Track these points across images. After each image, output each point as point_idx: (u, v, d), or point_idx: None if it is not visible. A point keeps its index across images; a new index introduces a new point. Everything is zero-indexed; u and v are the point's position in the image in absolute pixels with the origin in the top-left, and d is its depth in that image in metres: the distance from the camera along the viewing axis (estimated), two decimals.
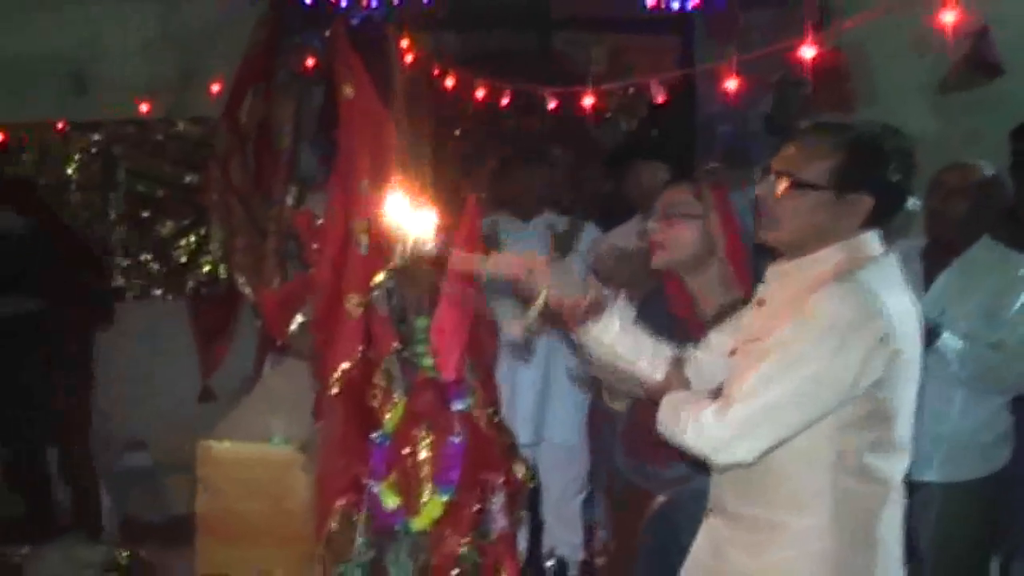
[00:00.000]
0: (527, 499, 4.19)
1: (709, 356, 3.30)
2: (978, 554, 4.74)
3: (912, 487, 4.30)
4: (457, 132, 7.90)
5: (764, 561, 3.03)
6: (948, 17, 3.18)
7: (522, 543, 4.60)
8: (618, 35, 8.72)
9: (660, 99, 4.75)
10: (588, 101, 4.95)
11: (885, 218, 3.03)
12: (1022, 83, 6.60)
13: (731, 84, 4.37)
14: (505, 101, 5.55)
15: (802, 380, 2.85)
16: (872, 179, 2.96)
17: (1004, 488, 4.60)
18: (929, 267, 4.63)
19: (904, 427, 3.02)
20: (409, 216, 3.46)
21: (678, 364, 3.26)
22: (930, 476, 4.49)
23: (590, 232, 5.85)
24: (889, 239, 4.52)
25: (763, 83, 7.45)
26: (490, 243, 5.79)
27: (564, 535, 5.60)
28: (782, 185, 3.00)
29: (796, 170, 2.99)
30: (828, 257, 2.98)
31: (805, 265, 3.00)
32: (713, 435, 2.90)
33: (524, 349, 4.97)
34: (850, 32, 7.09)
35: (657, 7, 7.82)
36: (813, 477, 2.95)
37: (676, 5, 7.48)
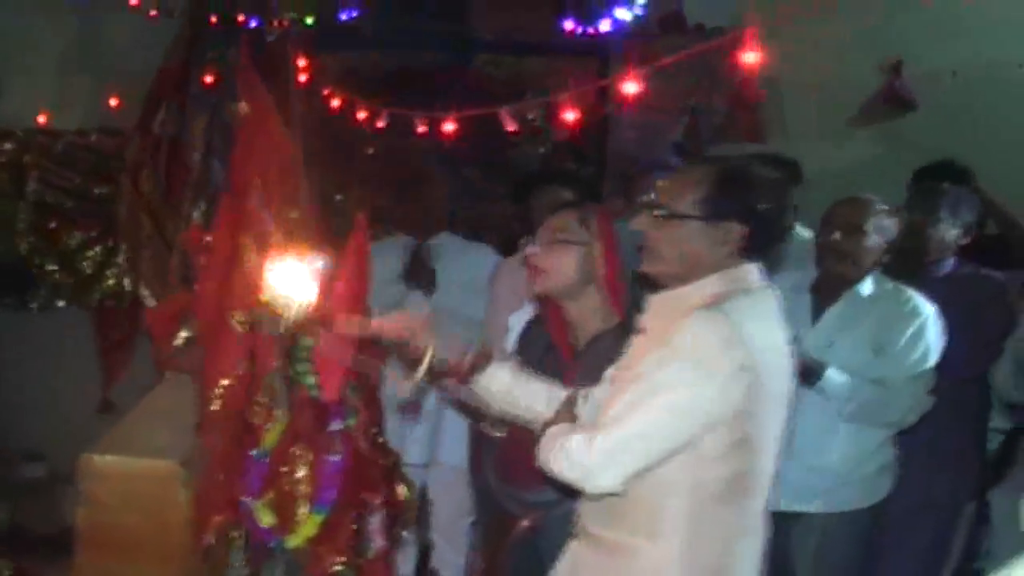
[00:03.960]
0: (413, 520, 4.21)
1: (605, 393, 3.33)
2: None
3: (792, 516, 4.39)
4: (370, 151, 7.89)
5: None
6: (750, 57, 3.32)
7: (409, 564, 4.60)
8: (540, 57, 8.77)
9: (510, 127, 4.77)
10: (449, 128, 4.98)
11: (762, 248, 3.11)
12: (928, 119, 6.76)
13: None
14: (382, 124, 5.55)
15: (662, 409, 2.90)
16: (740, 207, 3.04)
17: (880, 519, 4.66)
18: (818, 300, 4.65)
19: (767, 461, 3.07)
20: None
21: (569, 402, 3.29)
22: (811, 507, 4.52)
23: (485, 253, 5.86)
24: (780, 270, 4.63)
25: (676, 109, 7.55)
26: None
27: (451, 556, 5.59)
28: (656, 218, 3.08)
29: (668, 202, 3.08)
30: (704, 287, 3.04)
31: (682, 295, 3.06)
32: (580, 463, 2.95)
33: (413, 407, 4.94)
34: (763, 65, 7.27)
35: (574, 32, 7.91)
36: (670, 504, 2.99)
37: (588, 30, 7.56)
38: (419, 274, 5.65)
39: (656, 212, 3.09)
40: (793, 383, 3.15)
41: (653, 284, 3.20)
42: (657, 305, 3.15)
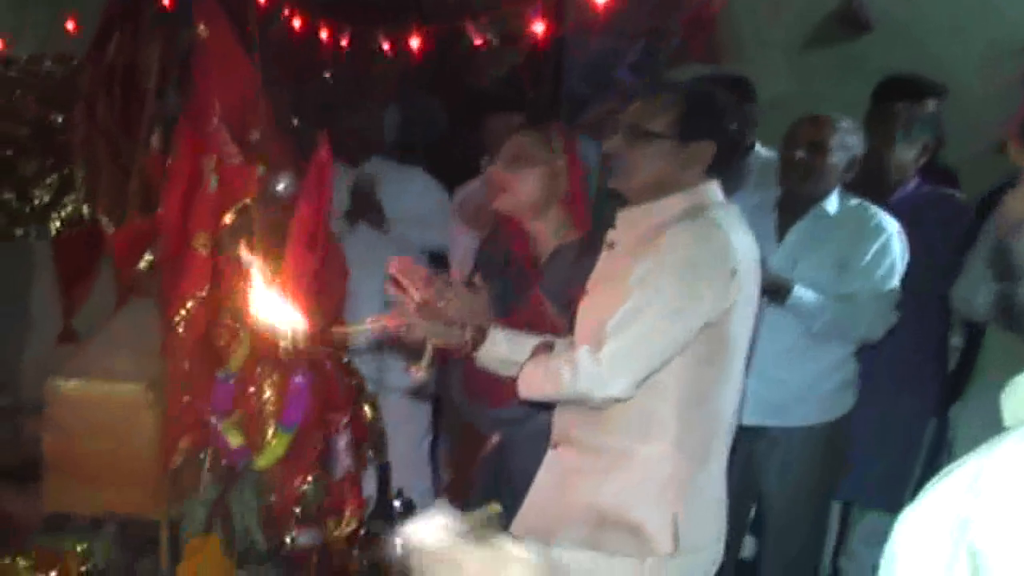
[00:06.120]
0: (376, 440, 4.23)
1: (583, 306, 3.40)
2: (821, 498, 4.84)
3: (756, 431, 4.44)
4: (328, 75, 7.82)
5: (612, 486, 3.18)
6: None
7: (371, 484, 4.60)
8: None
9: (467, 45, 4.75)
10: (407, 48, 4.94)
11: (725, 166, 3.25)
12: (882, 44, 6.75)
13: None
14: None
15: (664, 314, 3.03)
16: (711, 127, 3.19)
17: (847, 434, 4.71)
18: (783, 218, 4.68)
19: (739, 362, 3.22)
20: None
21: (548, 345, 3.36)
22: (773, 421, 4.59)
23: (421, 180, 5.88)
24: (739, 189, 4.64)
25: (634, 31, 7.52)
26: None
27: (412, 480, 5.54)
28: (630, 137, 3.21)
29: (642, 122, 3.21)
30: (674, 203, 3.18)
31: (653, 211, 3.19)
32: (589, 373, 3.05)
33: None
34: None
35: None
36: (659, 408, 3.12)
37: None
38: (365, 209, 5.60)
39: (631, 132, 3.21)
40: (759, 291, 3.29)
41: (620, 200, 3.29)
42: (626, 220, 3.27)
